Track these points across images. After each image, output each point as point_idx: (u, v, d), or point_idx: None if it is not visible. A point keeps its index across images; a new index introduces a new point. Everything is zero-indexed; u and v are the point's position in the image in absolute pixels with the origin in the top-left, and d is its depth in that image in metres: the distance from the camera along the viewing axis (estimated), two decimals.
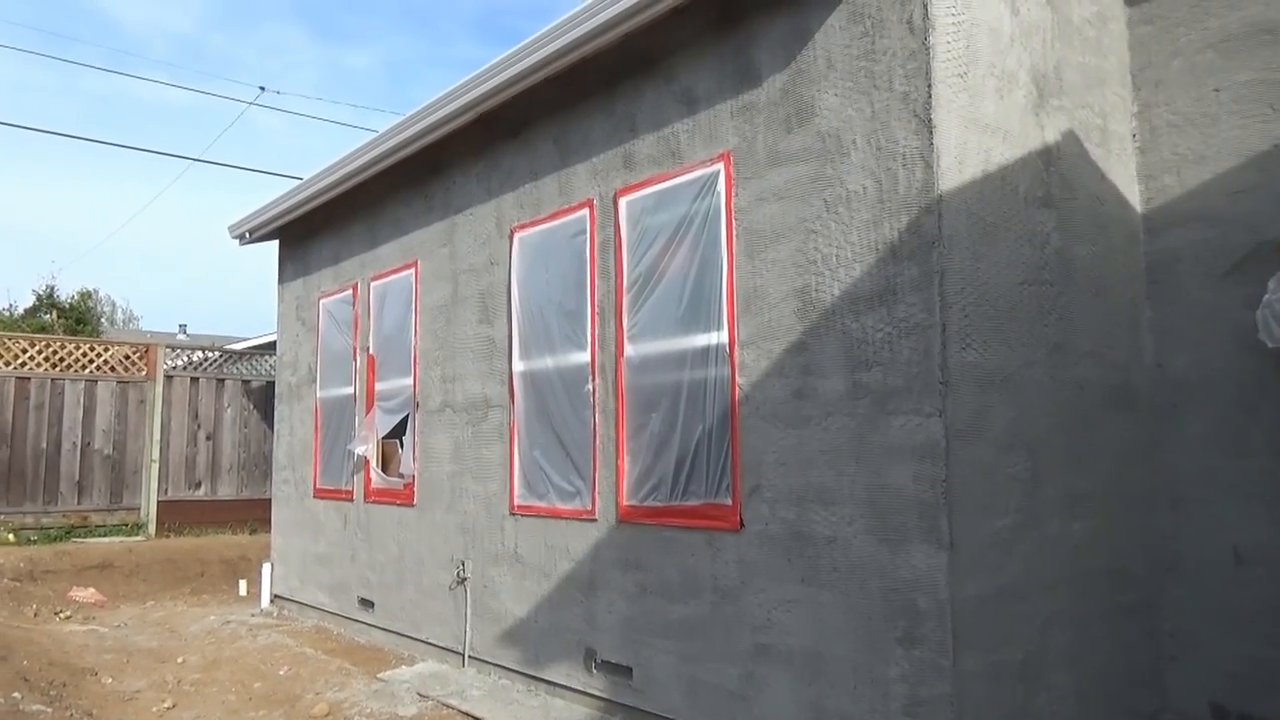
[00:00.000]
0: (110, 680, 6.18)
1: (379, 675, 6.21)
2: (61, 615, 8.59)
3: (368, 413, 7.56)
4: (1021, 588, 3.88)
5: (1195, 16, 4.81)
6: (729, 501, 4.44)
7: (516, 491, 5.87)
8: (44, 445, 11.85)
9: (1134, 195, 4.94)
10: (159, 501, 12.55)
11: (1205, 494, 4.59)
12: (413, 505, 6.93)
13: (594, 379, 5.30)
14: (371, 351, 7.63)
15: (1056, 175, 4.41)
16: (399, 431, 7.27)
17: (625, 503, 5.04)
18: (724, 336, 4.54)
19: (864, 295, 3.97)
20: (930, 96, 3.80)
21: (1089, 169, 4.65)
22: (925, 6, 3.81)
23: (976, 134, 3.97)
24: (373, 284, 7.67)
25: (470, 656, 6.18)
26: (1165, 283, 4.82)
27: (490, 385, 6.18)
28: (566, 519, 5.44)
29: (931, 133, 3.79)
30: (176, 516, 12.66)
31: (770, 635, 4.21)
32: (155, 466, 12.57)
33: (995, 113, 4.08)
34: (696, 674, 4.56)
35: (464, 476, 6.37)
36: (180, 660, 6.75)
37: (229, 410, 13.41)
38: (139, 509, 12.48)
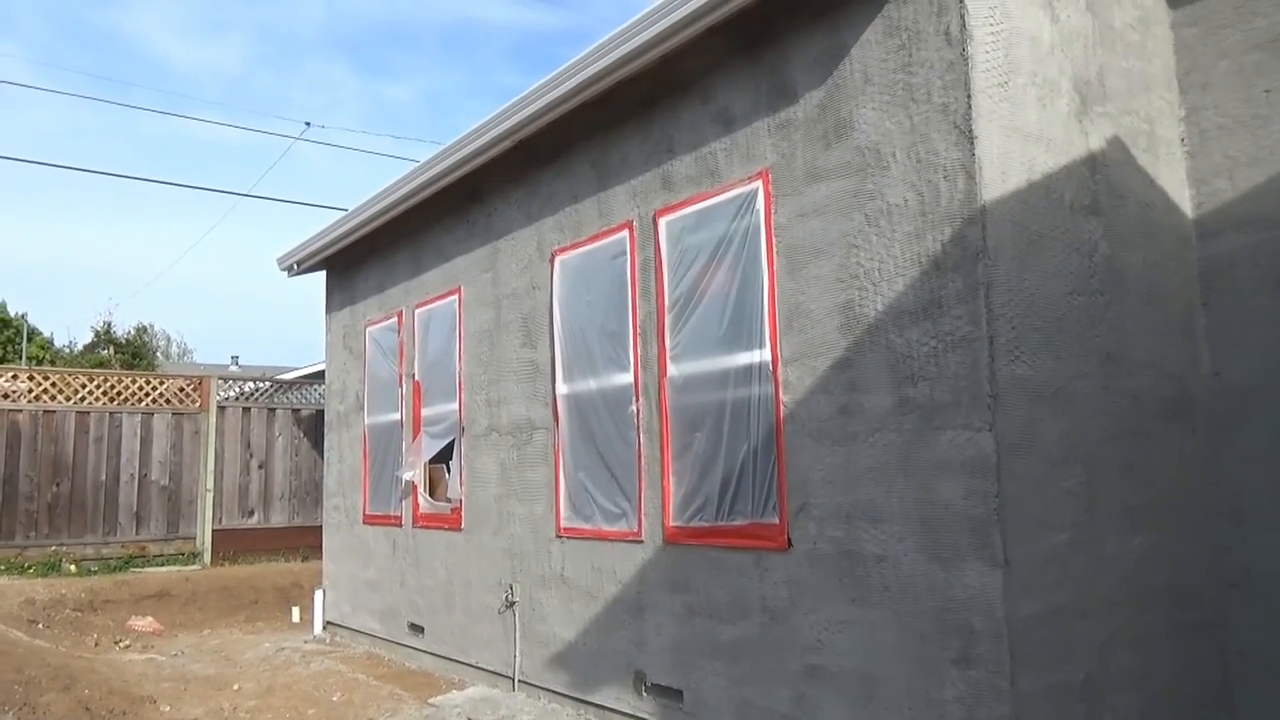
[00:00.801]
0: (168, 708, 6.28)
1: (430, 700, 6.23)
2: (121, 644, 8.76)
3: (414, 438, 7.63)
4: (1080, 605, 3.78)
5: (1241, 17, 4.71)
6: (776, 520, 4.40)
7: (562, 514, 5.87)
8: (103, 477, 12.15)
9: (1184, 200, 4.83)
10: (214, 530, 12.78)
11: (1271, 506, 4.43)
12: (460, 529, 6.97)
13: (637, 400, 5.30)
14: (417, 377, 7.71)
15: (1103, 182, 4.33)
16: (445, 456, 7.33)
17: (671, 524, 5.01)
18: (767, 354, 4.52)
19: (908, 309, 3.92)
20: (970, 107, 3.76)
21: (1137, 175, 4.56)
22: (963, 17, 3.78)
23: (1019, 143, 3.92)
24: (417, 311, 7.77)
25: (520, 680, 6.17)
26: (1220, 288, 4.70)
27: (534, 408, 6.20)
28: (613, 541, 5.42)
29: (972, 143, 3.75)
30: (231, 545, 12.87)
31: (821, 656, 4.15)
32: (210, 496, 12.81)
33: (1038, 121, 4.03)
34: (747, 696, 4.50)
35: (510, 500, 6.40)
36: (236, 688, 6.84)
37: (280, 439, 13.63)
38: (194, 538, 12.71)
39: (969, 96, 3.77)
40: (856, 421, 4.08)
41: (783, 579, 4.36)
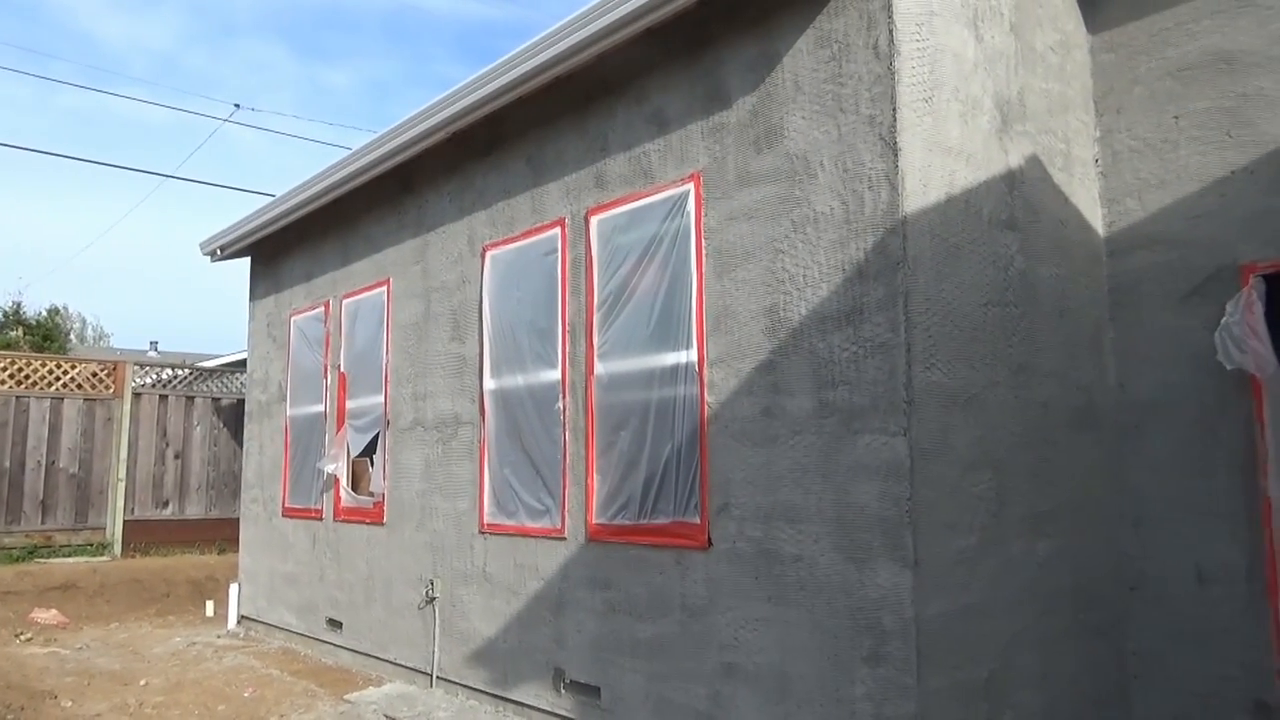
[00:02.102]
0: (70, 704, 6.06)
1: (346, 697, 6.13)
2: (22, 637, 8.42)
3: (338, 431, 7.50)
4: (986, 606, 3.91)
5: (1155, 45, 4.92)
6: (697, 520, 4.45)
7: (486, 510, 5.84)
8: (7, 464, 11.67)
9: (1096, 219, 5.02)
10: (125, 521, 12.38)
11: (1167, 513, 4.64)
12: (382, 524, 6.87)
13: (564, 397, 5.30)
14: (343, 369, 7.58)
15: (1020, 198, 4.48)
16: (369, 450, 7.22)
17: (595, 521, 5.03)
18: (693, 355, 4.56)
19: (831, 314, 4.01)
20: (895, 120, 3.86)
21: (1052, 193, 4.73)
22: (891, 32, 3.88)
23: (941, 157, 4.03)
24: (344, 301, 7.64)
25: (438, 677, 6.12)
26: (1127, 304, 4.90)
27: (461, 403, 6.16)
28: (536, 537, 5.42)
29: (896, 155, 3.84)
30: (143, 536, 12.48)
31: (738, 654, 4.21)
32: (122, 485, 12.40)
33: (959, 137, 4.15)
34: (664, 693, 4.54)
35: (434, 495, 6.34)
36: (143, 683, 6.63)
37: (198, 428, 13.27)
38: (105, 529, 12.29)
39: (894, 110, 3.87)
40: (778, 423, 4.15)
41: (702, 578, 4.41)
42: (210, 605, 9.86)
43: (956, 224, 4.07)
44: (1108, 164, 5.06)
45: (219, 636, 8.58)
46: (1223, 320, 4.39)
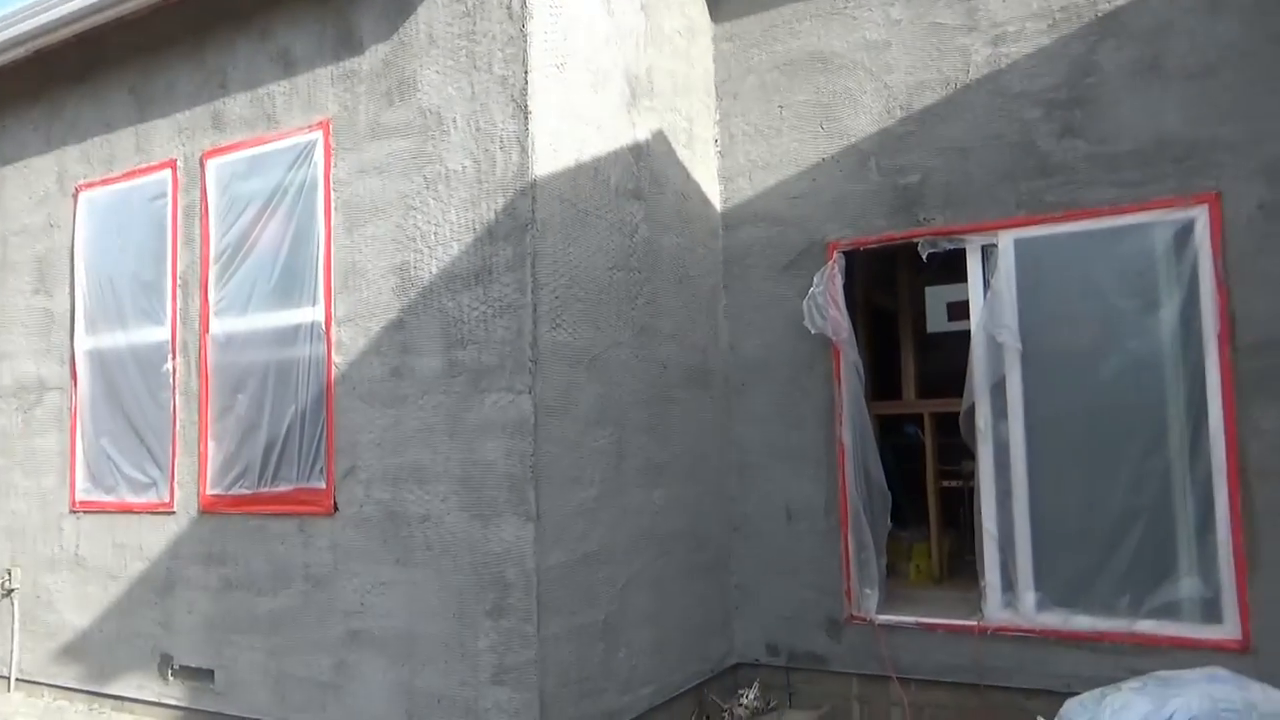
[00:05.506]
0: None
1: None
2: None
3: None
4: (604, 554, 4.14)
5: (766, 40, 5.41)
6: (323, 485, 4.26)
7: (78, 485, 5.16)
8: None
9: (715, 194, 5.46)
10: None
11: (765, 460, 5.21)
12: None
13: (174, 358, 4.81)
14: None
15: (646, 170, 4.75)
16: None
17: (208, 492, 4.63)
18: (320, 313, 4.33)
19: (461, 274, 3.99)
20: (527, 83, 3.90)
21: (676, 167, 5.06)
22: None
23: (572, 124, 4.15)
24: None
25: (18, 679, 5.33)
26: (738, 274, 5.39)
27: (47, 365, 5.35)
28: (140, 513, 4.88)
29: (528, 118, 3.89)
30: None
31: (364, 620, 4.10)
32: None
33: (590, 106, 4.29)
34: (286, 668, 4.31)
35: (12, 471, 5.47)
36: None
37: None
38: None
39: (527, 73, 3.91)
40: (408, 384, 4.08)
41: (327, 544, 4.23)
42: None
43: (585, 190, 4.22)
44: (725, 145, 5.51)
45: None
46: (810, 290, 4.99)
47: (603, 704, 4.04)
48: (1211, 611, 4.11)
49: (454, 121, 4.07)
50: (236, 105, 4.74)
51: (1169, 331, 4.29)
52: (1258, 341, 4.08)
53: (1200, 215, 4.19)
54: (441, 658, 3.88)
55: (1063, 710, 3.87)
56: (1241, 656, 3.95)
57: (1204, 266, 4.19)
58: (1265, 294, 4.07)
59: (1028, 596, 4.44)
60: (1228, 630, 4.04)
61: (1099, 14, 4.47)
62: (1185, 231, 4.24)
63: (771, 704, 4.87)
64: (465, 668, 3.82)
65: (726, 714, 4.65)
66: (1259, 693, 3.62)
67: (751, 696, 4.80)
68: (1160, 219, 4.29)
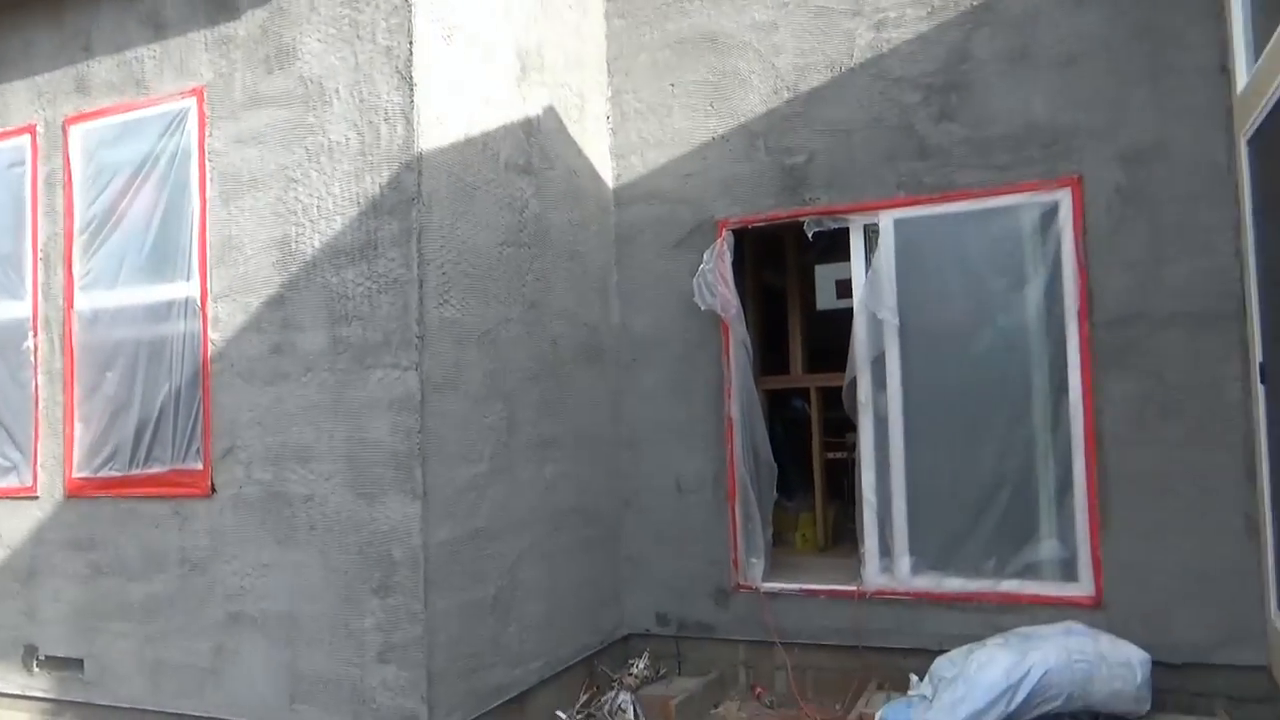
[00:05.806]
0: None
1: None
2: None
3: None
4: (494, 529, 4.14)
5: (658, 18, 5.43)
6: (199, 466, 4.12)
7: None
8: None
9: (607, 171, 5.47)
10: None
11: (657, 436, 5.28)
12: None
13: (36, 334, 4.57)
14: None
15: (537, 146, 4.72)
16: None
17: (75, 475, 4.43)
18: (195, 288, 4.18)
19: (345, 248, 3.90)
20: (413, 54, 3.83)
21: (567, 143, 5.04)
22: None
23: (459, 97, 4.09)
24: None
25: None
26: (630, 251, 5.42)
27: None
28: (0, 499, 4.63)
29: (413, 90, 3.82)
30: None
31: (244, 603, 4.00)
32: None
33: (478, 79, 4.24)
34: (162, 655, 4.18)
35: None
36: None
37: None
38: None
39: (412, 44, 3.83)
40: (289, 361, 3.97)
41: (205, 527, 4.10)
42: None
43: (474, 165, 4.17)
44: (617, 122, 5.52)
45: None
46: (699, 267, 5.07)
47: (492, 679, 4.06)
48: (1069, 570, 4.38)
49: (336, 92, 3.97)
50: (102, 69, 4.50)
51: (1034, 308, 4.53)
52: (1113, 318, 4.35)
53: (1064, 198, 4.43)
54: (326, 638, 3.83)
55: (933, 667, 4.09)
56: (1095, 611, 4.24)
57: (1066, 246, 4.43)
58: (1120, 273, 4.34)
59: (903, 561, 4.64)
60: (1083, 588, 4.31)
61: (974, 2, 4.65)
62: (1050, 213, 4.47)
63: (661, 672, 4.97)
64: (351, 647, 3.77)
65: (616, 683, 4.72)
66: (1108, 644, 3.91)
67: (641, 666, 4.89)
68: (1027, 201, 4.52)
